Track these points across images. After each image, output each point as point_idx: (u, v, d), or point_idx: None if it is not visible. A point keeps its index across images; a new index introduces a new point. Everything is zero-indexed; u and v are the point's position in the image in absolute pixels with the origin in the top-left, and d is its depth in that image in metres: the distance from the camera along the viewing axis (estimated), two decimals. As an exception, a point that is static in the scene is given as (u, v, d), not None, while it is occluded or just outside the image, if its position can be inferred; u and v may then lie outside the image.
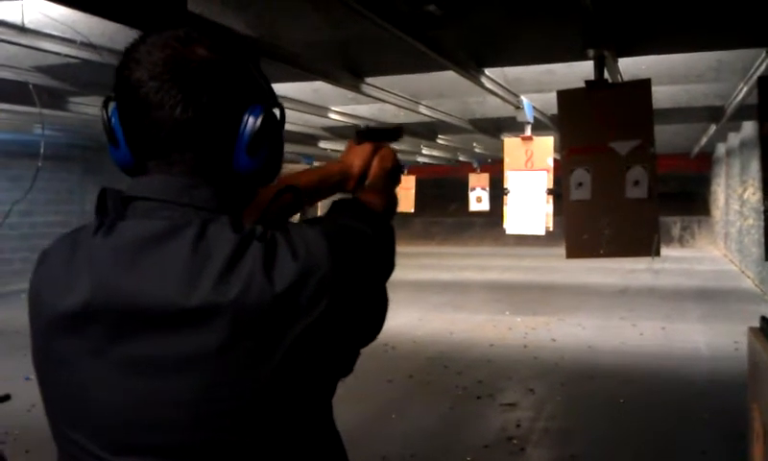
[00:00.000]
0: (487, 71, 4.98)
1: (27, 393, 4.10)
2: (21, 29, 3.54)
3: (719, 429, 4.65)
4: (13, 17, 3.47)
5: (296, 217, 1.16)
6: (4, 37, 3.55)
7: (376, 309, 1.06)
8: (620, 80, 4.39)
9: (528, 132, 6.23)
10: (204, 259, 0.89)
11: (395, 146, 1.39)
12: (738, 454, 3.17)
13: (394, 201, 1.30)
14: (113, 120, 1.00)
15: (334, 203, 1.19)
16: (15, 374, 4.66)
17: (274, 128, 1.01)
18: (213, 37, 0.99)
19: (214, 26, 3.13)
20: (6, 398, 2.76)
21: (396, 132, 1.40)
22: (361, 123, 1.39)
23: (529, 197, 5.92)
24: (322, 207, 1.49)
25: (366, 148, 1.31)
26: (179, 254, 0.89)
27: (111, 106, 1.01)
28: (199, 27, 1.00)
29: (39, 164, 3.37)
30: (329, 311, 0.92)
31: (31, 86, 4.25)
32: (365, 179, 1.28)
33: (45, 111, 4.66)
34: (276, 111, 1.03)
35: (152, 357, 0.89)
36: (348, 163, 1.29)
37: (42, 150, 3.94)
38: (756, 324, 2.98)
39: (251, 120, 0.98)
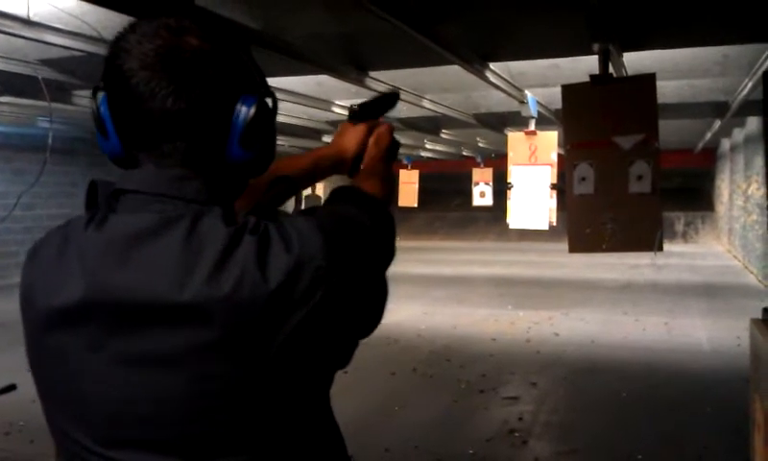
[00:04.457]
0: (491, 65, 4.97)
1: (32, 384, 4.14)
2: (26, 22, 3.55)
3: (721, 424, 4.65)
4: (19, 10, 3.47)
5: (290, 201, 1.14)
6: (9, 30, 3.56)
7: (375, 300, 1.03)
8: (625, 74, 4.38)
9: (532, 126, 6.24)
10: (196, 254, 0.87)
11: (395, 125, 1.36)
12: (739, 449, 3.18)
13: (391, 183, 1.27)
14: (102, 110, 0.98)
15: (332, 192, 1.16)
16: (20, 365, 4.70)
17: (266, 118, 0.99)
18: (204, 26, 0.97)
19: (217, 18, 3.14)
20: (11, 388, 2.77)
21: (390, 98, 1.34)
22: (353, 103, 1.33)
23: (532, 192, 5.92)
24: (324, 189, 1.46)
25: (360, 129, 1.27)
26: (170, 249, 0.88)
27: (101, 95, 0.99)
28: (190, 15, 0.98)
29: (48, 154, 3.38)
30: (324, 303, 0.90)
31: (41, 79, 4.25)
32: (360, 160, 1.26)
33: (52, 105, 4.67)
34: (269, 101, 1.00)
35: (146, 352, 0.88)
36: (343, 148, 1.26)
37: (50, 142, 3.94)
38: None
39: (243, 110, 0.95)
